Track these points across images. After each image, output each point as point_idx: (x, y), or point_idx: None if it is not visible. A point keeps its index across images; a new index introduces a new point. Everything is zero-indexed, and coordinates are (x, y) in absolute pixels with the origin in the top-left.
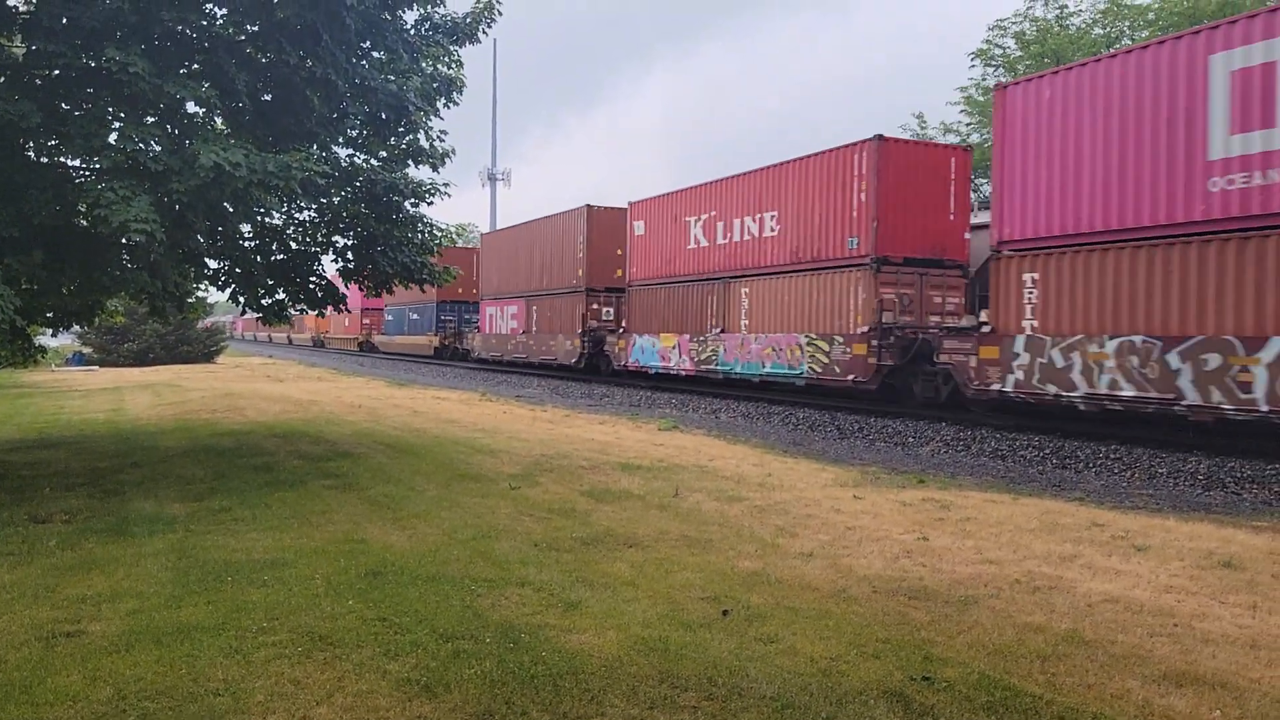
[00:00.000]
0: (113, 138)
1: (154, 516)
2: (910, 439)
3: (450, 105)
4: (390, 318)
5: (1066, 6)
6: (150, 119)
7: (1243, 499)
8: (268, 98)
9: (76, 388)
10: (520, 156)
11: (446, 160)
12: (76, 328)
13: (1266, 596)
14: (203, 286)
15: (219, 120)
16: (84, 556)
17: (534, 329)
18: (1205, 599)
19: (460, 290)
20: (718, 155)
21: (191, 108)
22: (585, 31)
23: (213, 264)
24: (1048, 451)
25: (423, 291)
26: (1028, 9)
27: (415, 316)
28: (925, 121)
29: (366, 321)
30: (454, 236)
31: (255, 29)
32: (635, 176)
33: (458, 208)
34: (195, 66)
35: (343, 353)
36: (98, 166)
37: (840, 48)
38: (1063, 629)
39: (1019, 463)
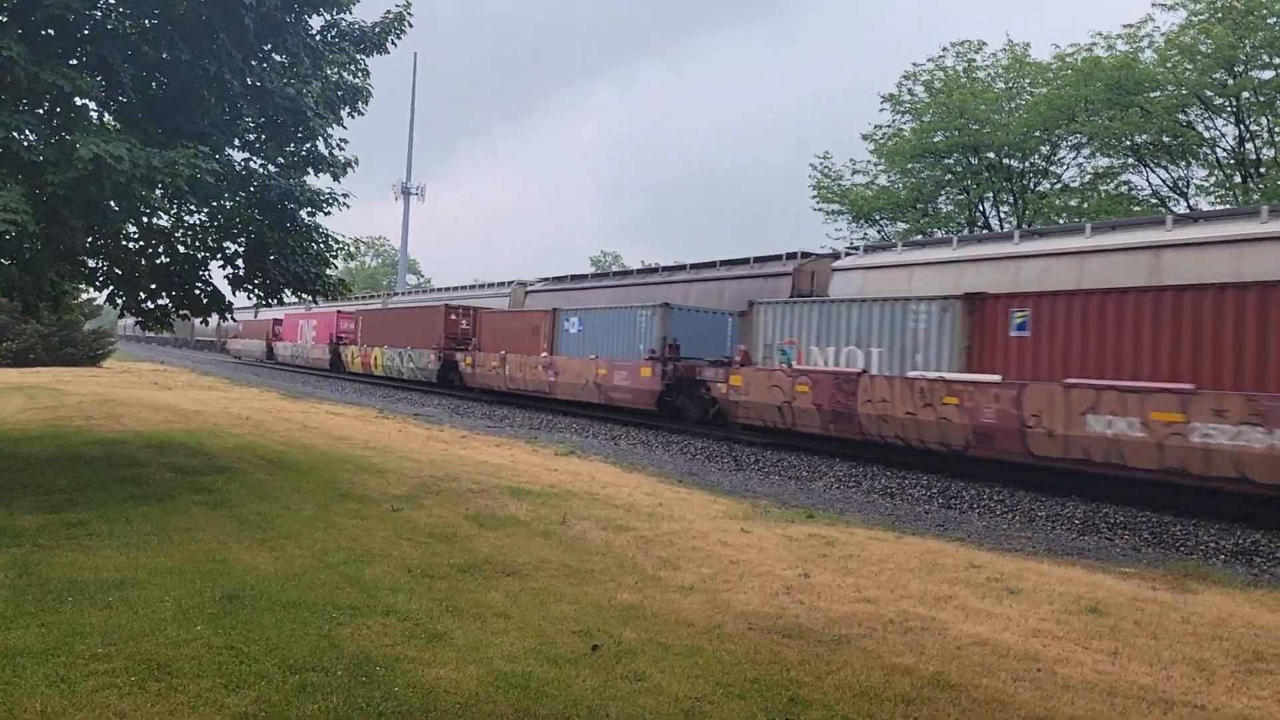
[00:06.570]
0: None
1: (0, 529)
2: (804, 473)
3: (355, 115)
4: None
5: (975, 60)
6: (26, 106)
7: (1115, 544)
8: (158, 93)
9: None
10: (452, 170)
11: (349, 170)
12: None
13: (1127, 643)
14: (81, 286)
15: (107, 115)
16: None
17: None
18: (1070, 644)
19: None
20: (653, 181)
21: (78, 101)
22: (525, 49)
23: (91, 263)
24: (935, 491)
25: (315, 303)
26: (939, 58)
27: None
28: (831, 160)
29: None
30: (352, 250)
31: (149, 24)
32: (566, 192)
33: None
34: (83, 58)
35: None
36: None
37: (782, 79)
38: (930, 671)
39: (906, 501)
